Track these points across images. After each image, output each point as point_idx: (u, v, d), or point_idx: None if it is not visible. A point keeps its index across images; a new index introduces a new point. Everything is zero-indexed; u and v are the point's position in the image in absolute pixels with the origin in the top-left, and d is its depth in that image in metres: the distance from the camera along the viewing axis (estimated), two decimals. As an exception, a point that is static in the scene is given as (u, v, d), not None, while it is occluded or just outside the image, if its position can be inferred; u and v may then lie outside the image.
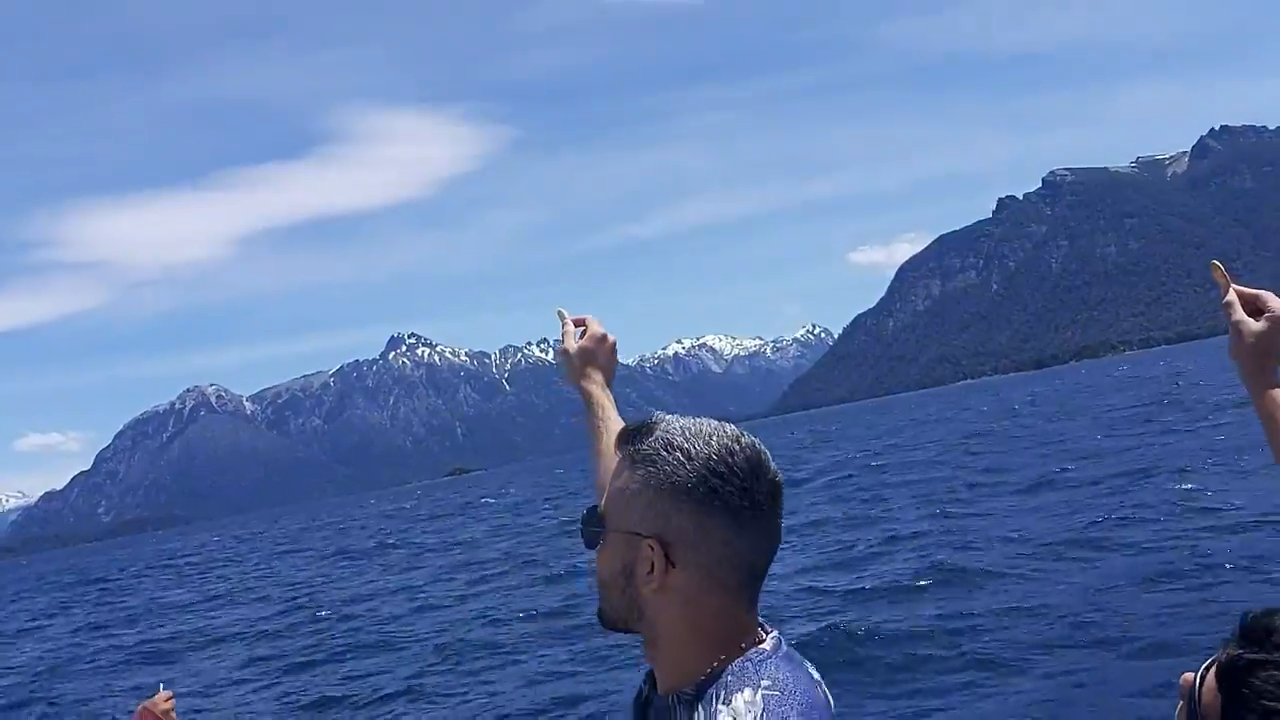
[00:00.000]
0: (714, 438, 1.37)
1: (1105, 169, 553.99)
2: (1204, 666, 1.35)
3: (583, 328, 1.95)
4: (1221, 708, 1.30)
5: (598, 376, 1.96)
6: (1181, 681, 1.36)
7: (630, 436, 1.44)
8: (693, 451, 1.36)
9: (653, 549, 1.37)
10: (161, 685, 2.65)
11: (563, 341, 1.95)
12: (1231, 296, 1.91)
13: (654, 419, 1.44)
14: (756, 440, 1.40)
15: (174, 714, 2.53)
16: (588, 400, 1.94)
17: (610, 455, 1.60)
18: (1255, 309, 1.88)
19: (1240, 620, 1.35)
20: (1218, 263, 1.96)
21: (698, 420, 1.42)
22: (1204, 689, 1.34)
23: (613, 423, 1.93)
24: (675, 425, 1.40)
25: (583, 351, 1.95)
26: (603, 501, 1.47)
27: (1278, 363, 1.86)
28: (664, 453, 1.37)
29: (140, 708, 2.45)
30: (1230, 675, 1.31)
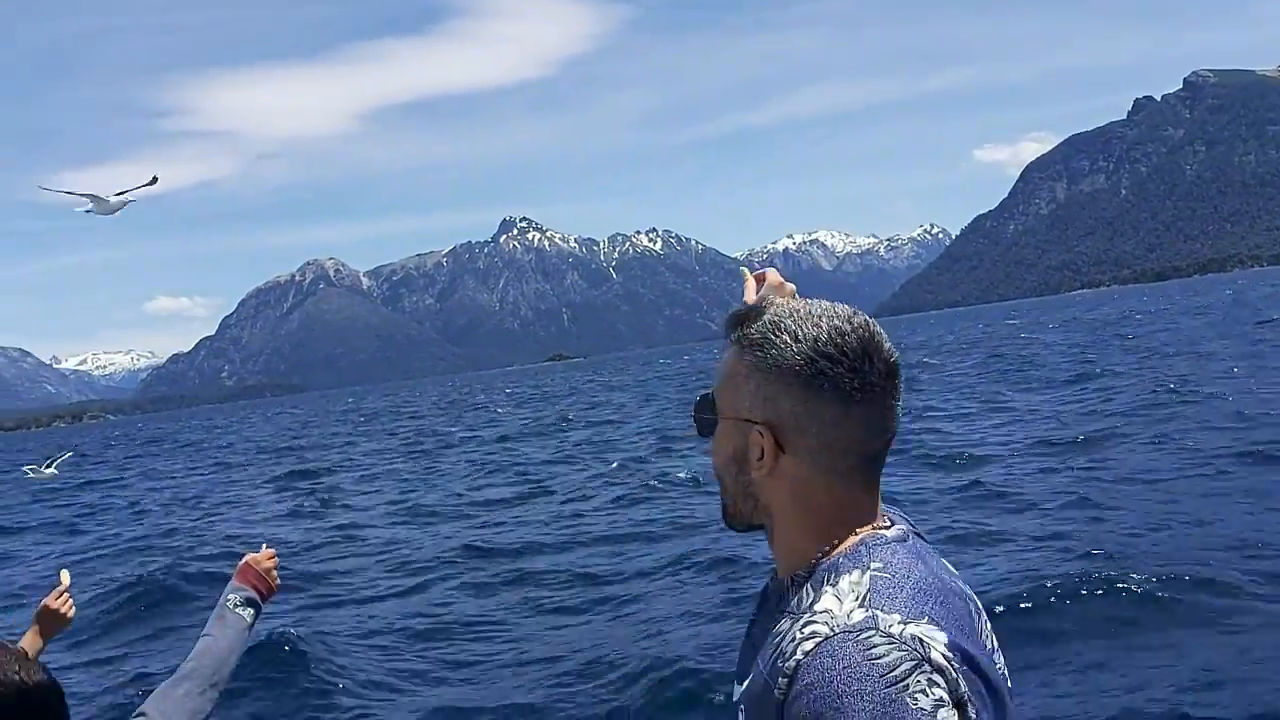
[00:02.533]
0: (824, 319, 1.34)
1: (1251, 72, 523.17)
2: None
3: (762, 281, 1.85)
4: None
5: None
6: None
7: (739, 321, 1.41)
8: (800, 333, 1.33)
9: (762, 434, 1.35)
10: (264, 544, 2.64)
11: (744, 296, 1.83)
12: None
13: (764, 303, 1.42)
14: (871, 320, 1.36)
15: (275, 572, 2.58)
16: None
17: None
18: None
19: None
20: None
21: (809, 302, 1.39)
22: None
23: None
24: (784, 308, 1.38)
25: (763, 301, 1.75)
26: (714, 388, 1.45)
27: None
28: (771, 335, 1.35)
29: (243, 563, 2.47)
30: None
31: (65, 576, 2.77)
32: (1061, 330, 55.24)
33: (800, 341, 1.32)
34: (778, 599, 1.39)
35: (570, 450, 23.84)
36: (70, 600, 2.71)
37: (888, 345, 1.35)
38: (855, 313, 1.36)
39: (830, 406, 1.31)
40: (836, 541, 1.34)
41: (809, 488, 1.35)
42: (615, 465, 19.14)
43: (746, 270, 1.92)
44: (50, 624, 2.68)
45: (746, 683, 1.35)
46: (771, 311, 1.38)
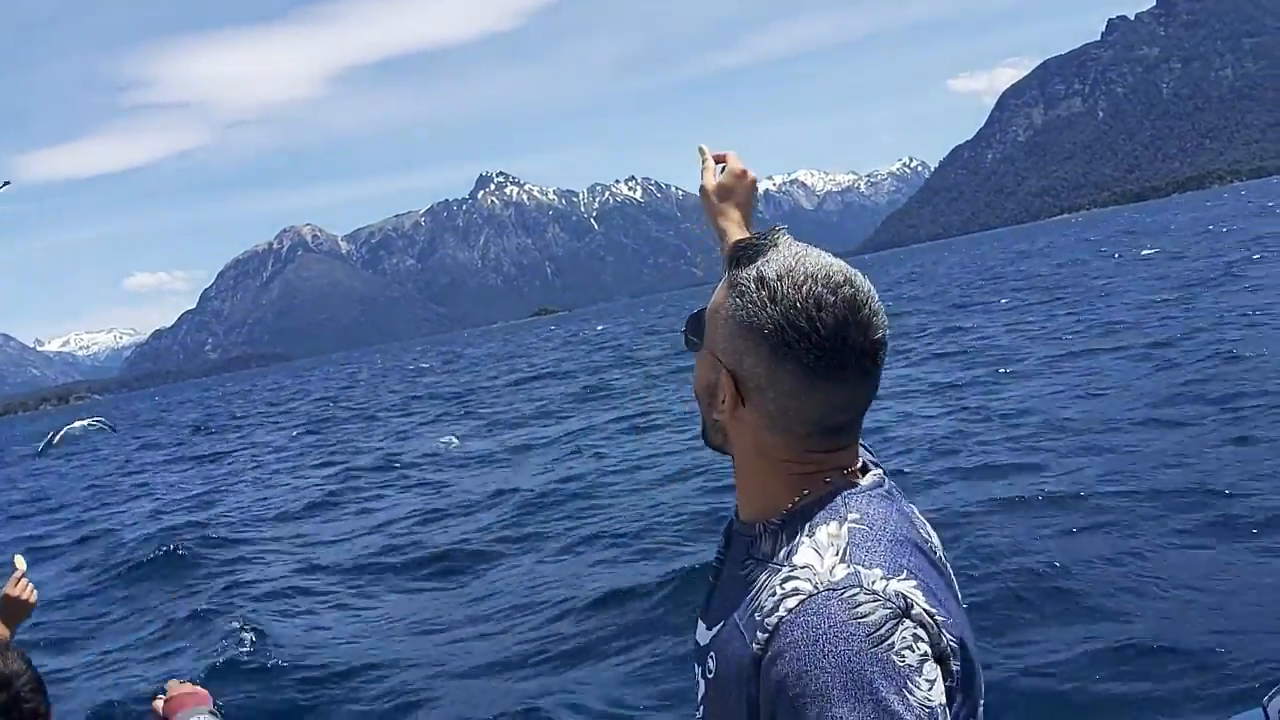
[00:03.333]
0: (807, 283, 1.24)
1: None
2: None
3: (723, 164, 1.84)
4: None
5: (735, 214, 1.83)
6: None
7: (736, 256, 1.33)
8: (779, 294, 1.25)
9: (726, 382, 1.31)
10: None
11: (702, 178, 1.84)
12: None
13: (770, 239, 1.32)
14: (861, 290, 1.25)
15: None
16: (723, 238, 1.81)
17: None
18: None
19: None
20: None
21: (810, 254, 1.28)
22: None
23: None
24: (778, 257, 1.28)
25: (721, 189, 1.84)
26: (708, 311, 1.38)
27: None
28: (752, 287, 1.27)
29: (157, 701, 2.02)
30: None
31: (20, 561, 2.70)
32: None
33: (776, 304, 1.24)
34: (747, 544, 1.34)
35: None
36: (30, 585, 2.64)
37: (875, 320, 1.26)
38: (846, 280, 1.26)
39: (791, 378, 1.25)
40: (806, 490, 1.31)
41: (766, 440, 1.31)
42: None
43: (705, 149, 1.83)
44: (12, 612, 2.61)
45: (718, 629, 1.32)
46: (765, 256, 1.29)
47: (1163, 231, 58.29)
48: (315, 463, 20.82)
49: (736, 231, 1.79)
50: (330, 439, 26.01)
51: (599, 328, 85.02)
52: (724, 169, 1.83)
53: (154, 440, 40.18)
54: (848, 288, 1.25)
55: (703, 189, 1.86)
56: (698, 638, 1.38)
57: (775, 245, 1.30)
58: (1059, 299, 26.10)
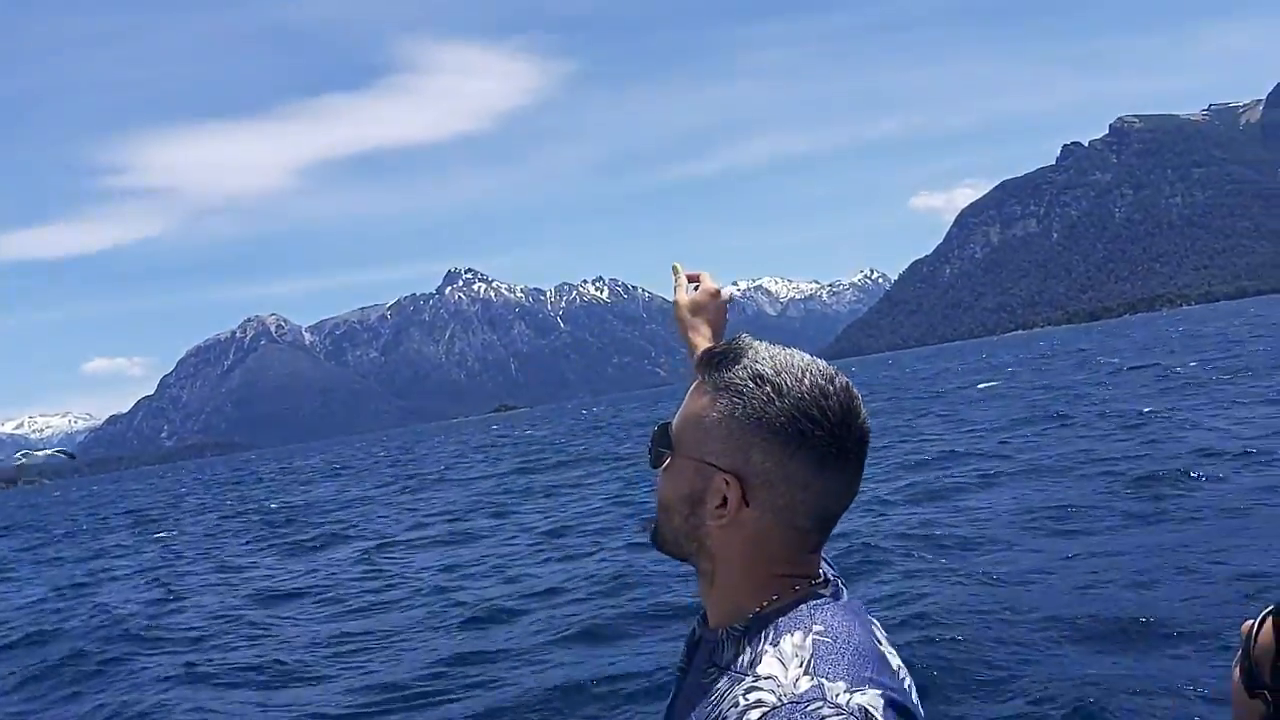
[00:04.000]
0: (807, 376, 1.29)
1: (1175, 116, 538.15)
2: (1263, 613, 1.32)
3: (696, 282, 1.91)
4: (1275, 652, 1.29)
5: (706, 330, 1.92)
6: (1242, 629, 1.35)
7: (715, 361, 1.34)
8: (784, 388, 1.27)
9: (729, 484, 1.30)
10: None
11: (675, 294, 1.92)
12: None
13: (741, 343, 1.35)
14: (850, 382, 1.32)
15: None
16: (694, 351, 1.86)
17: None
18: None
19: None
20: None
21: (788, 351, 1.33)
22: (1260, 634, 1.31)
23: None
24: (765, 355, 1.31)
25: (694, 305, 1.91)
26: (675, 421, 1.38)
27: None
28: (752, 384, 1.29)
29: None
30: None
31: None
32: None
33: (784, 398, 1.27)
34: (711, 649, 1.35)
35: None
36: None
37: (864, 412, 1.32)
38: (837, 373, 1.31)
39: (804, 468, 1.28)
40: (775, 597, 1.32)
41: (763, 541, 1.32)
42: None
43: (679, 266, 1.91)
44: None
45: None
46: (750, 356, 1.32)
47: (1039, 359, 61.61)
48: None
49: (706, 345, 1.78)
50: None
51: (527, 430, 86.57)
52: (697, 287, 1.88)
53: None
54: (839, 379, 1.30)
55: (676, 304, 1.92)
56: None
57: (752, 347, 1.33)
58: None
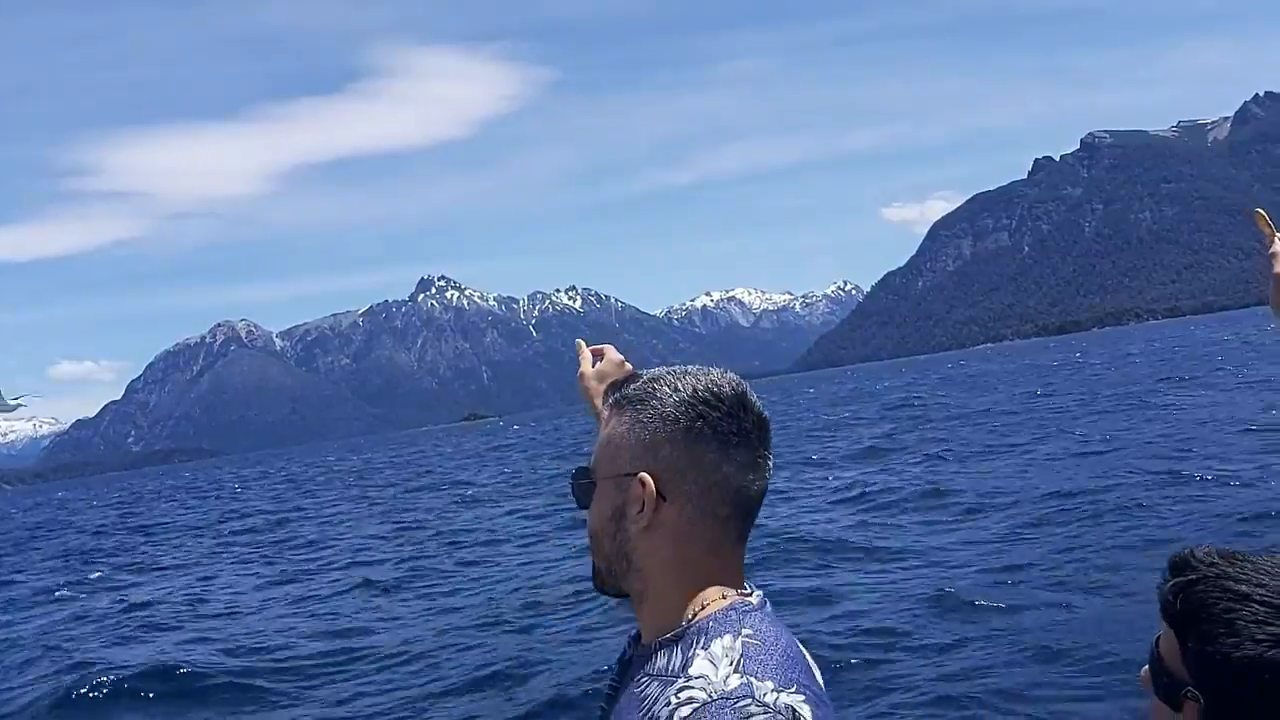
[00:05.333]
0: (700, 375, 1.41)
1: (1145, 132, 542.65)
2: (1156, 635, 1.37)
3: (600, 355, 2.01)
4: (1180, 645, 1.31)
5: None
6: (1140, 678, 1.39)
7: (617, 386, 1.47)
8: (679, 385, 1.40)
9: (643, 484, 1.37)
10: None
11: (580, 366, 2.01)
12: (1277, 247, 1.82)
13: (640, 373, 1.49)
14: (741, 379, 1.43)
15: None
16: (600, 419, 1.83)
17: None
18: None
19: (1166, 566, 1.38)
20: (1261, 210, 1.88)
21: (682, 365, 1.46)
22: (1161, 642, 1.35)
23: None
24: (660, 369, 1.46)
25: (600, 374, 1.98)
26: (592, 459, 1.48)
27: None
28: (651, 388, 1.41)
29: None
30: (1172, 607, 1.32)
31: None
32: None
33: (679, 391, 1.39)
34: (643, 663, 1.39)
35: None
36: None
37: (758, 401, 1.42)
38: (725, 372, 1.43)
39: (710, 451, 1.37)
40: (706, 604, 1.36)
41: (687, 536, 1.38)
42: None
43: (582, 343, 2.04)
44: None
45: None
46: (649, 373, 1.46)
47: (983, 379, 62.21)
48: None
49: None
50: None
51: (445, 449, 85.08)
52: (604, 359, 1.98)
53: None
54: (729, 375, 1.43)
55: (581, 375, 2.00)
56: None
57: (650, 370, 1.48)
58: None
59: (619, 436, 1.42)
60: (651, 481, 1.37)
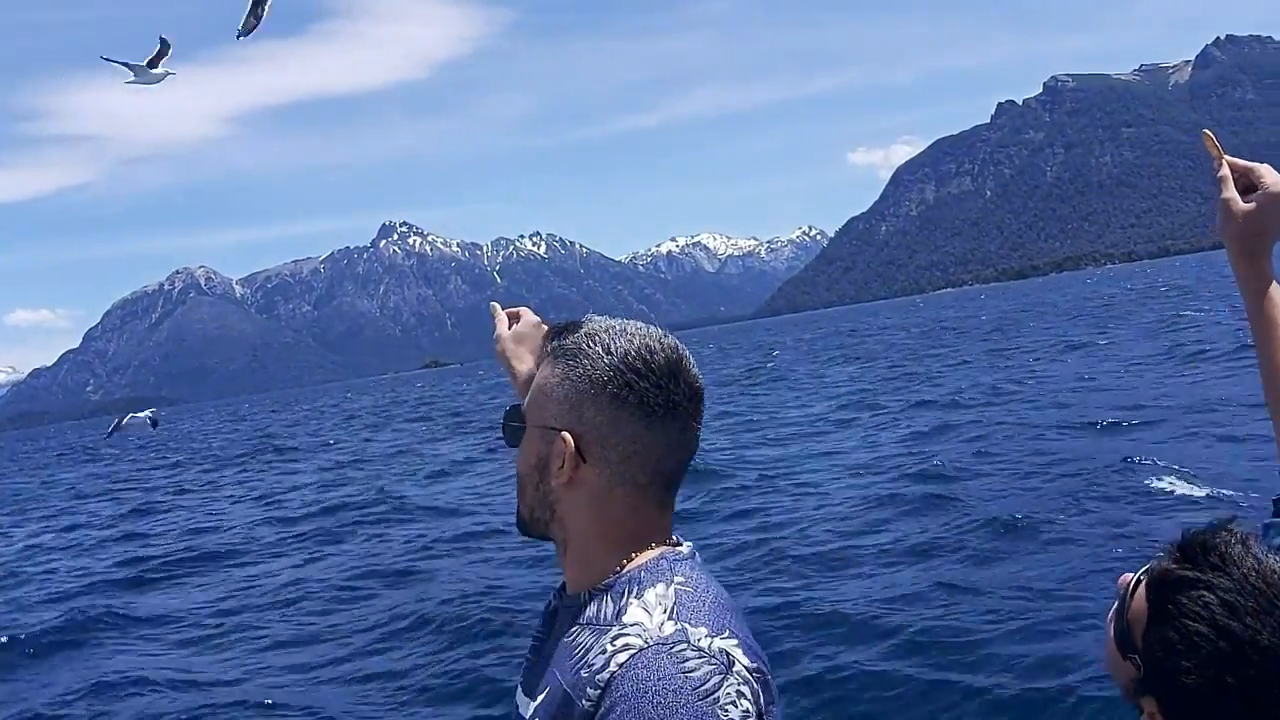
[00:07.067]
0: (636, 336, 1.38)
1: (1107, 75, 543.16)
2: (1140, 571, 1.33)
3: (517, 317, 2.01)
4: (1147, 619, 1.29)
5: (528, 359, 1.96)
6: (1119, 582, 1.34)
7: (556, 334, 1.45)
8: (613, 347, 1.37)
9: (566, 442, 1.37)
10: None
11: (496, 328, 2.00)
12: (1224, 171, 1.77)
13: (583, 319, 1.45)
14: (680, 344, 1.40)
15: None
16: (515, 379, 1.95)
17: None
18: (1249, 185, 1.74)
19: (1180, 535, 1.32)
20: (1208, 132, 1.84)
21: (625, 320, 1.43)
22: (1135, 596, 1.32)
23: None
24: (600, 323, 1.42)
25: (516, 335, 1.98)
26: (525, 401, 1.48)
27: (1270, 246, 1.75)
28: (585, 345, 1.38)
29: None
30: (1160, 589, 1.28)
31: None
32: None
33: (611, 354, 1.36)
34: (574, 614, 1.39)
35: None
36: None
37: (694, 370, 1.40)
38: (666, 334, 1.40)
39: (633, 420, 1.35)
40: (634, 555, 1.38)
41: (606, 499, 1.38)
42: None
43: (497, 305, 2.03)
44: None
45: (542, 696, 1.35)
46: (587, 326, 1.42)
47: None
48: None
49: (527, 370, 1.90)
50: None
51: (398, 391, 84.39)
52: (520, 320, 1.96)
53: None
54: (668, 339, 1.40)
55: (499, 337, 1.98)
56: (520, 711, 1.40)
57: (591, 320, 1.44)
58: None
59: (549, 388, 1.41)
60: (572, 441, 1.37)
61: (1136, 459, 11.17)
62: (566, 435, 1.37)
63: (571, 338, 1.41)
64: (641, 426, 1.36)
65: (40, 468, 51.51)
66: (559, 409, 1.39)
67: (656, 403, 1.35)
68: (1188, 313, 36.06)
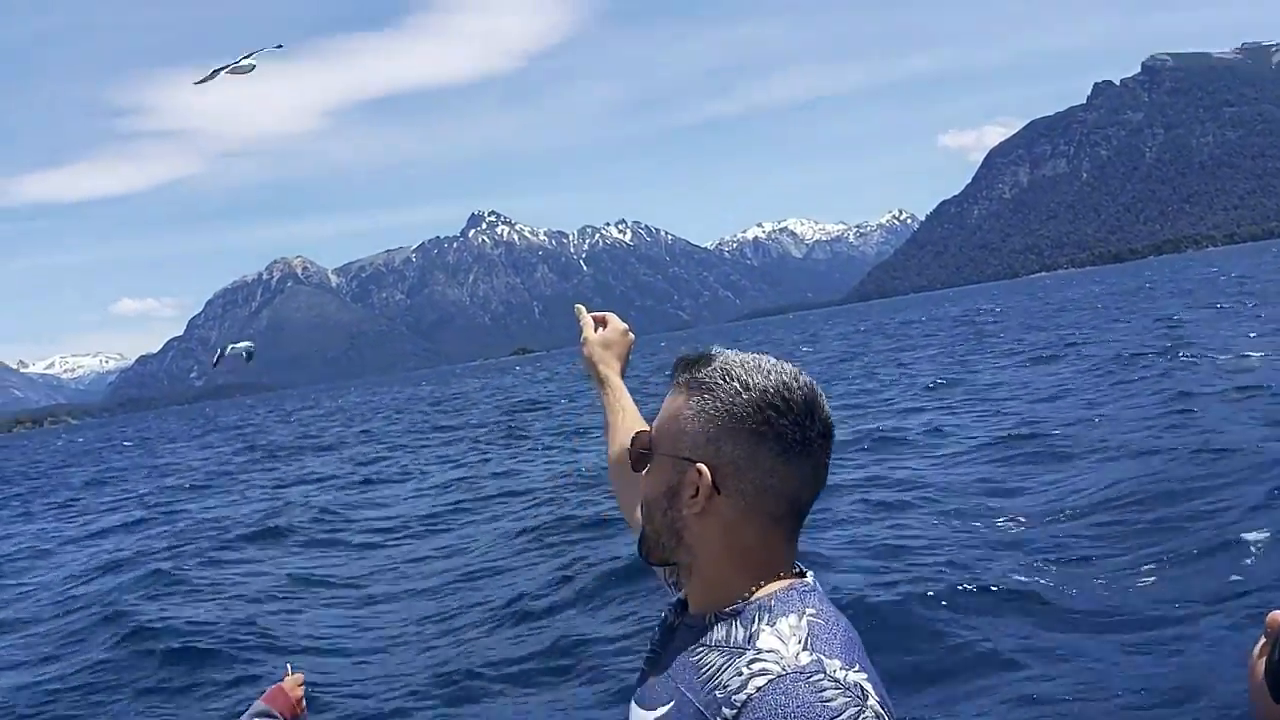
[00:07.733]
0: (773, 373, 1.41)
1: (1208, 54, 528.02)
2: None
3: (603, 323, 2.06)
4: None
5: (615, 365, 2.06)
6: (1269, 621, 1.26)
7: (688, 365, 1.46)
8: (750, 383, 1.39)
9: (700, 473, 1.39)
10: (290, 667, 2.58)
11: (583, 333, 2.05)
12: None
13: (713, 350, 1.48)
14: (813, 381, 1.43)
15: (304, 701, 2.50)
16: (604, 385, 2.03)
17: (625, 433, 1.82)
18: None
19: None
20: (580, 306, 2.07)
21: (757, 355, 1.45)
22: None
23: (628, 405, 2.04)
24: (734, 358, 1.44)
25: (604, 341, 2.05)
26: (654, 425, 1.50)
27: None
28: (721, 381, 1.40)
29: (275, 687, 2.42)
30: None
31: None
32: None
33: (749, 390, 1.39)
34: (697, 633, 1.42)
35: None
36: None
37: (827, 407, 1.43)
38: (800, 372, 1.43)
39: (771, 456, 1.38)
40: (762, 583, 1.40)
41: (738, 529, 1.41)
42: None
43: (582, 308, 2.08)
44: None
45: (665, 710, 1.39)
46: (721, 359, 1.44)
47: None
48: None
49: (616, 380, 2.05)
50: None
51: (479, 384, 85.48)
52: (604, 326, 2.04)
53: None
54: (803, 377, 1.43)
55: (586, 341, 2.06)
56: None
57: (723, 353, 1.46)
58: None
59: (684, 420, 1.43)
60: (709, 474, 1.39)
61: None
62: (703, 467, 1.40)
63: (705, 370, 1.43)
64: (779, 462, 1.38)
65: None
66: (694, 441, 1.41)
67: (794, 439, 1.38)
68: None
